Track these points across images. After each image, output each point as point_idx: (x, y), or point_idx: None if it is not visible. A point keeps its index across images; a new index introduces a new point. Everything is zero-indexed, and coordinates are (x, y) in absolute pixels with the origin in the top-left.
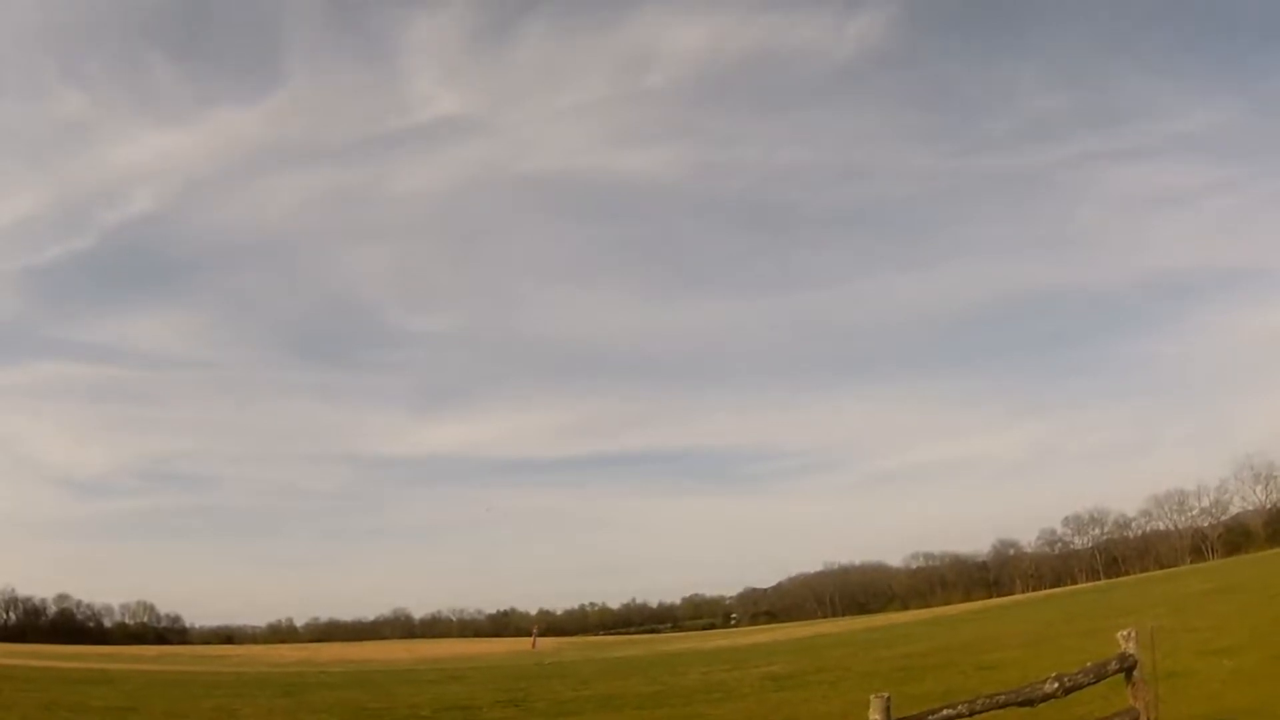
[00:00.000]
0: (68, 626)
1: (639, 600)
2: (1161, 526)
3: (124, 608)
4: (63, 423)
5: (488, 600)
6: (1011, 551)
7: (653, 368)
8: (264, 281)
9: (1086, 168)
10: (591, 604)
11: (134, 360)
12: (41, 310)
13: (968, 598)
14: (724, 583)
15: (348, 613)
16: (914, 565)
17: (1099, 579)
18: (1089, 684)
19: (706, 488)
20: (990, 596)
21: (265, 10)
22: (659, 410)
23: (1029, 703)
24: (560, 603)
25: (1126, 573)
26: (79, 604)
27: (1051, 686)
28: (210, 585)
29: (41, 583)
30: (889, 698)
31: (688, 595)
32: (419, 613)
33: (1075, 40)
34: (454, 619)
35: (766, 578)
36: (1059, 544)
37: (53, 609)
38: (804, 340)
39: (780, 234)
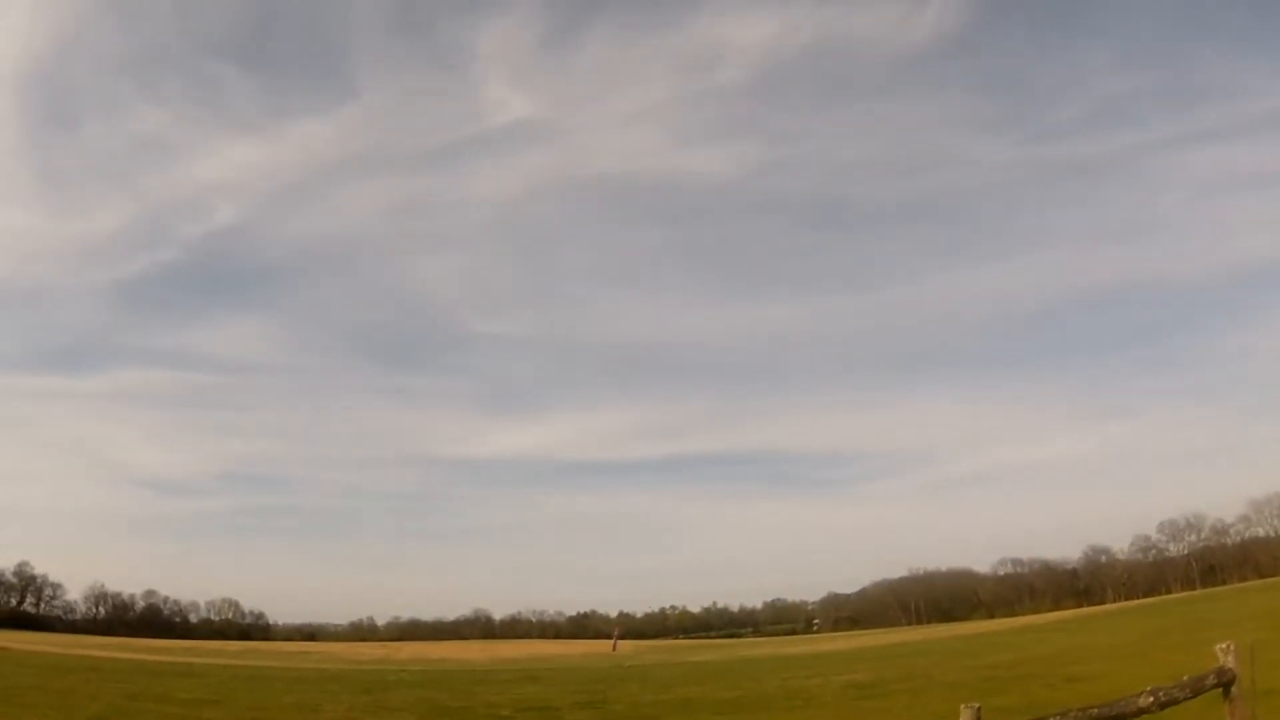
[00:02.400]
0: (154, 621)
1: (720, 604)
2: (1261, 533)
3: (209, 604)
4: (149, 427)
5: (568, 602)
6: (1103, 558)
7: (725, 369)
8: (340, 288)
9: (1165, 152)
10: (672, 607)
11: (216, 366)
12: (128, 320)
13: (1057, 606)
14: (806, 587)
15: (428, 612)
16: (1001, 572)
17: (1195, 588)
18: (1185, 699)
19: (787, 491)
20: (1080, 605)
21: (335, 23)
22: (734, 412)
23: (1122, 717)
24: (640, 606)
25: (1224, 581)
26: (166, 600)
27: (1146, 700)
28: (293, 584)
29: (129, 579)
30: (979, 708)
31: (769, 600)
32: (499, 613)
33: (1149, 19)
34: (534, 620)
35: (850, 583)
36: (1153, 551)
37: (140, 604)
38: (878, 339)
39: (849, 230)
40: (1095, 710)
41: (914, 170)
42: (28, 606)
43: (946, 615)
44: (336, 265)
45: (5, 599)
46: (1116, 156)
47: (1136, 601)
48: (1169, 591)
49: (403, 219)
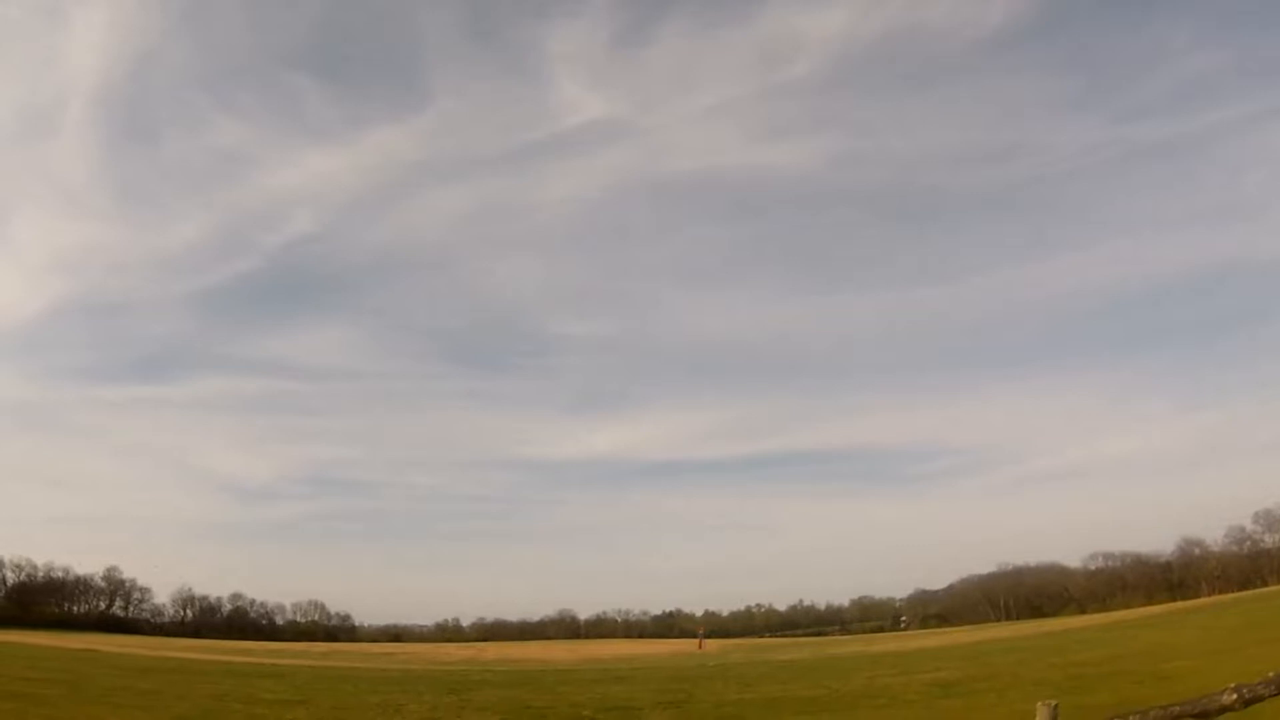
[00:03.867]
0: (240, 623)
1: (805, 602)
2: None
3: (295, 606)
4: (233, 433)
5: (653, 602)
6: (1197, 551)
7: (807, 365)
8: (420, 293)
9: (1255, 129)
10: (758, 606)
11: (298, 373)
12: (212, 329)
13: (1149, 601)
14: (894, 584)
15: (514, 613)
16: (1092, 566)
17: None
18: (1270, 696)
19: (874, 487)
20: (1173, 600)
21: (407, 31)
22: (817, 409)
23: (1204, 715)
24: (726, 604)
25: None
26: (252, 602)
27: (1229, 698)
28: (378, 586)
29: (216, 582)
30: (1056, 705)
31: (856, 597)
32: (584, 613)
33: None
34: (619, 620)
35: (938, 579)
36: (1248, 542)
37: (227, 607)
38: (964, 331)
39: (930, 221)
40: (1177, 708)
41: (992, 158)
42: (116, 610)
43: (1036, 611)
44: (416, 270)
45: (95, 603)
46: (1199, 137)
47: (1231, 595)
48: (1265, 584)
49: (481, 222)
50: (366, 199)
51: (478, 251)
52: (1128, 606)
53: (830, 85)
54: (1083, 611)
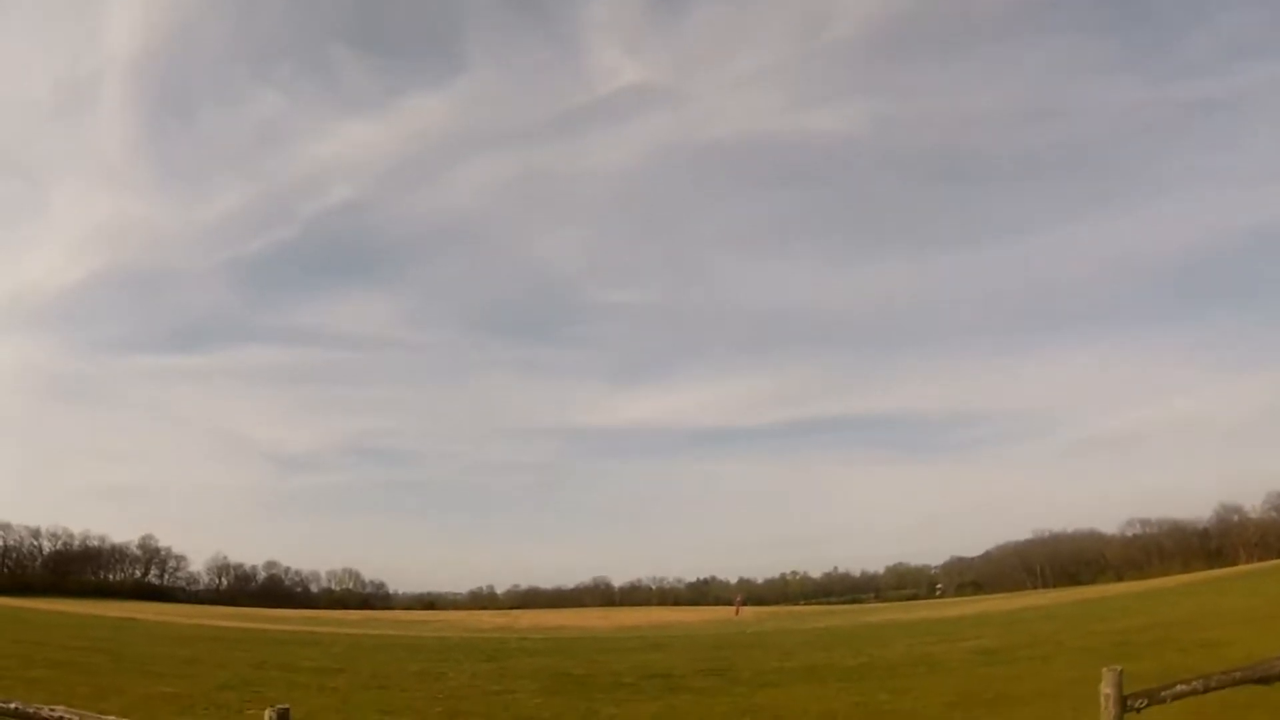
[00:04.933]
0: (275, 591)
1: (841, 569)
2: None
3: (330, 574)
4: (272, 402)
5: (688, 569)
6: (1235, 517)
7: (848, 332)
8: (462, 262)
9: None
10: (793, 573)
11: (338, 342)
12: (252, 299)
13: (1186, 568)
14: (929, 552)
15: (549, 581)
16: (1130, 533)
17: None
18: None
19: (910, 454)
20: (1211, 567)
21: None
22: (857, 375)
23: (1265, 680)
24: (761, 572)
25: None
26: (287, 570)
27: None
28: (414, 555)
29: (252, 551)
30: (1121, 671)
31: (891, 564)
32: (619, 581)
33: None
34: (653, 587)
35: (973, 546)
36: None
37: (262, 575)
38: (1003, 296)
39: (973, 184)
40: (1238, 673)
41: (1037, 118)
42: (152, 578)
43: (1073, 579)
44: (458, 239)
45: (130, 571)
46: (1248, 92)
47: (1271, 562)
48: None
49: (523, 191)
50: (406, 169)
51: (518, 220)
52: (1165, 574)
53: (871, 49)
54: (1120, 579)
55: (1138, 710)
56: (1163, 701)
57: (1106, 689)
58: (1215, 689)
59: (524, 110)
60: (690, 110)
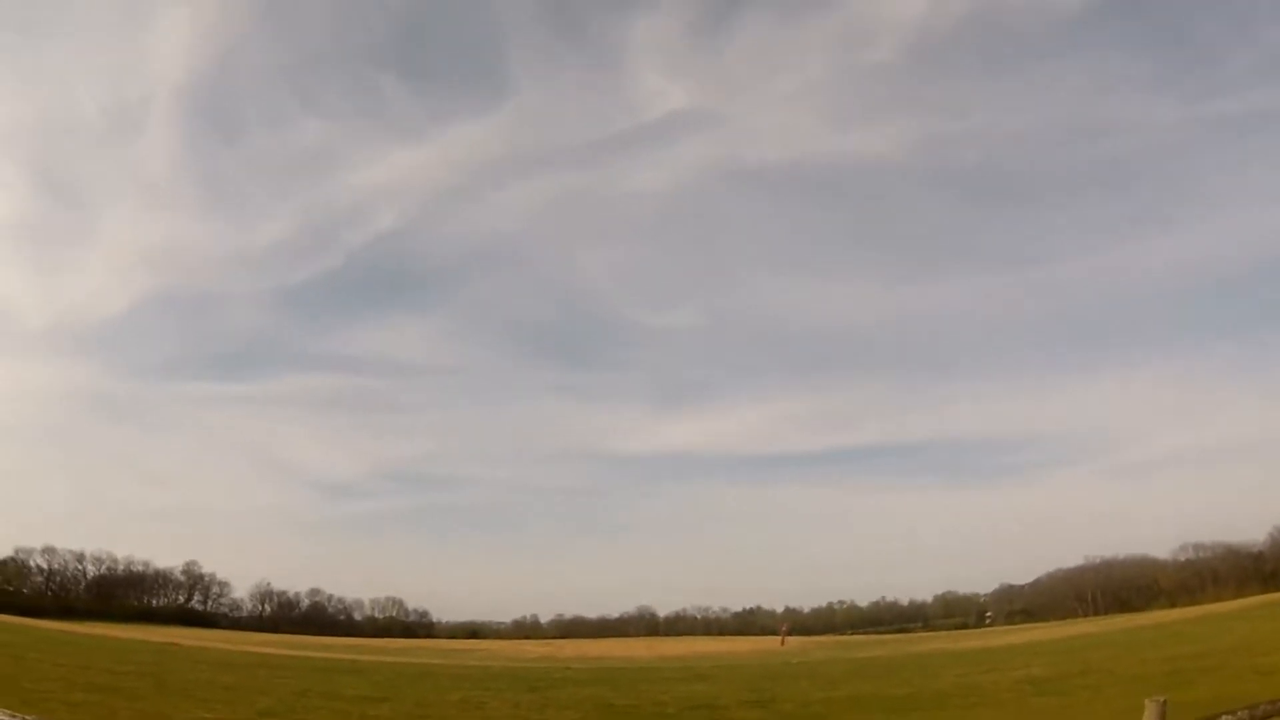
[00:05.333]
0: (319, 619)
1: (888, 598)
2: None
3: (373, 602)
4: (316, 429)
5: (733, 598)
6: None
7: (894, 354)
8: (504, 287)
9: None
10: (839, 602)
11: (382, 368)
12: (296, 325)
13: (1241, 592)
14: (978, 579)
15: (592, 610)
16: (1182, 557)
17: None
18: None
19: (958, 480)
20: (1266, 590)
21: (488, 25)
22: (903, 399)
23: None
24: (807, 601)
25: None
26: (330, 598)
27: None
28: (457, 582)
29: (295, 577)
30: (1164, 702)
31: (939, 593)
32: (663, 610)
33: None
34: (698, 617)
35: (1023, 573)
36: None
37: (305, 602)
38: (1049, 317)
39: (1017, 204)
40: None
41: (1080, 138)
42: (195, 603)
43: (1125, 605)
44: (499, 264)
45: (174, 596)
46: None
47: None
48: None
49: (564, 215)
50: (449, 194)
51: (561, 244)
52: (1219, 599)
53: (913, 68)
54: (1173, 605)
55: None
56: None
57: None
58: (1262, 719)
59: (566, 133)
60: (732, 131)
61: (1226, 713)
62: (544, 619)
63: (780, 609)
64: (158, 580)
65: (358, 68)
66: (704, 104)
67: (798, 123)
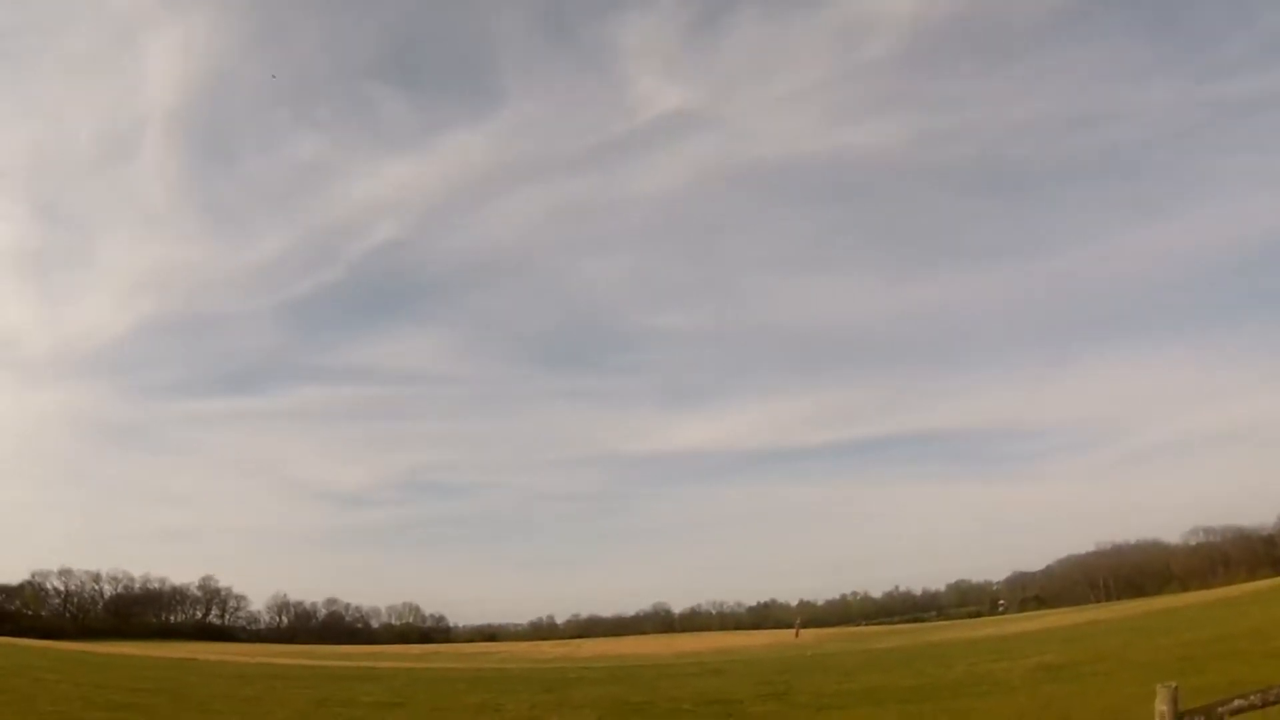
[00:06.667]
0: (336, 628)
1: (902, 588)
2: None
3: (390, 609)
4: (325, 440)
5: (747, 593)
6: None
7: (898, 347)
8: (507, 294)
9: None
10: (853, 594)
11: (389, 379)
12: (301, 340)
13: (1252, 575)
14: (990, 567)
15: (608, 609)
16: (1193, 542)
17: None
18: None
19: (967, 470)
20: (1278, 574)
21: (480, 34)
22: (910, 391)
23: None
24: (821, 593)
25: None
26: (347, 607)
27: None
28: (472, 587)
29: (311, 588)
30: (1176, 687)
31: (952, 582)
32: (679, 607)
33: None
34: (714, 612)
35: (1035, 560)
36: None
37: (322, 612)
38: (1053, 306)
39: (1017, 194)
40: None
41: (1078, 126)
42: (213, 618)
43: (1137, 590)
44: (503, 272)
45: (192, 612)
46: None
47: None
48: None
49: (565, 221)
50: (448, 204)
51: (562, 250)
52: (1230, 582)
53: (909, 63)
54: (1185, 589)
55: None
56: (1220, 718)
57: (1161, 706)
58: (1275, 703)
59: (563, 140)
60: (730, 132)
61: (1239, 697)
62: (560, 620)
63: (795, 602)
64: (175, 597)
65: (352, 82)
66: (701, 105)
67: (796, 121)
